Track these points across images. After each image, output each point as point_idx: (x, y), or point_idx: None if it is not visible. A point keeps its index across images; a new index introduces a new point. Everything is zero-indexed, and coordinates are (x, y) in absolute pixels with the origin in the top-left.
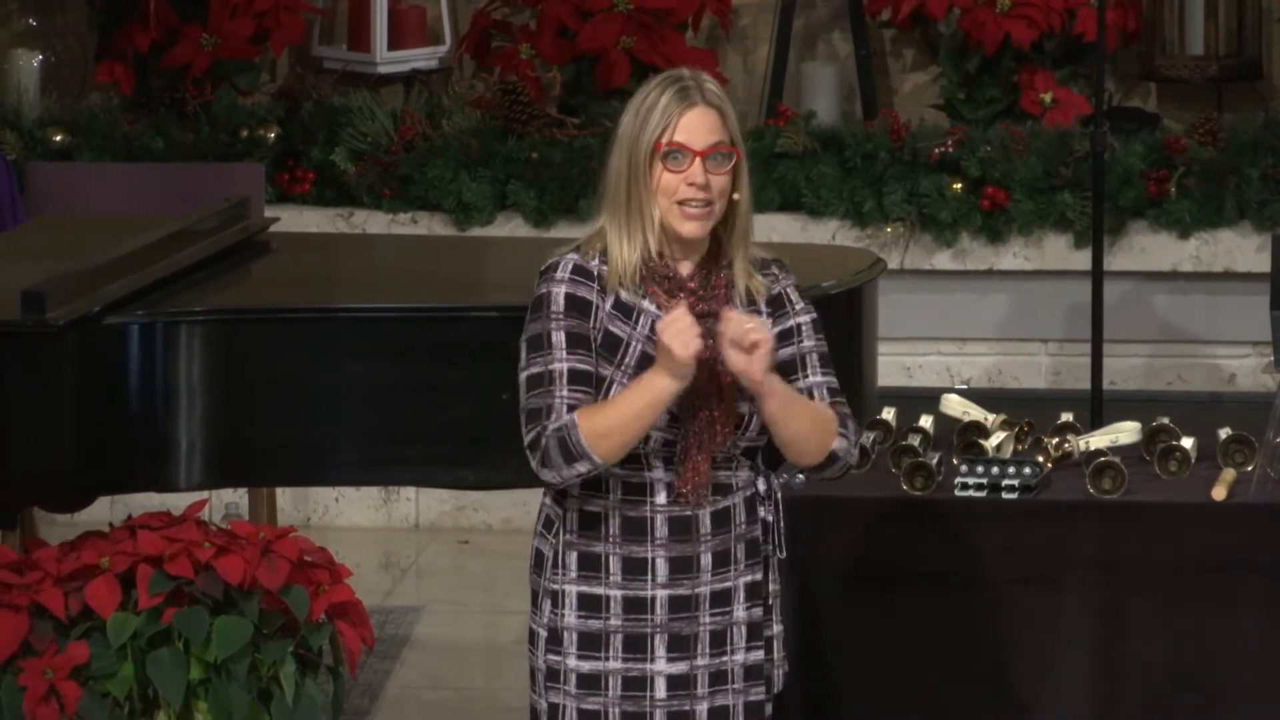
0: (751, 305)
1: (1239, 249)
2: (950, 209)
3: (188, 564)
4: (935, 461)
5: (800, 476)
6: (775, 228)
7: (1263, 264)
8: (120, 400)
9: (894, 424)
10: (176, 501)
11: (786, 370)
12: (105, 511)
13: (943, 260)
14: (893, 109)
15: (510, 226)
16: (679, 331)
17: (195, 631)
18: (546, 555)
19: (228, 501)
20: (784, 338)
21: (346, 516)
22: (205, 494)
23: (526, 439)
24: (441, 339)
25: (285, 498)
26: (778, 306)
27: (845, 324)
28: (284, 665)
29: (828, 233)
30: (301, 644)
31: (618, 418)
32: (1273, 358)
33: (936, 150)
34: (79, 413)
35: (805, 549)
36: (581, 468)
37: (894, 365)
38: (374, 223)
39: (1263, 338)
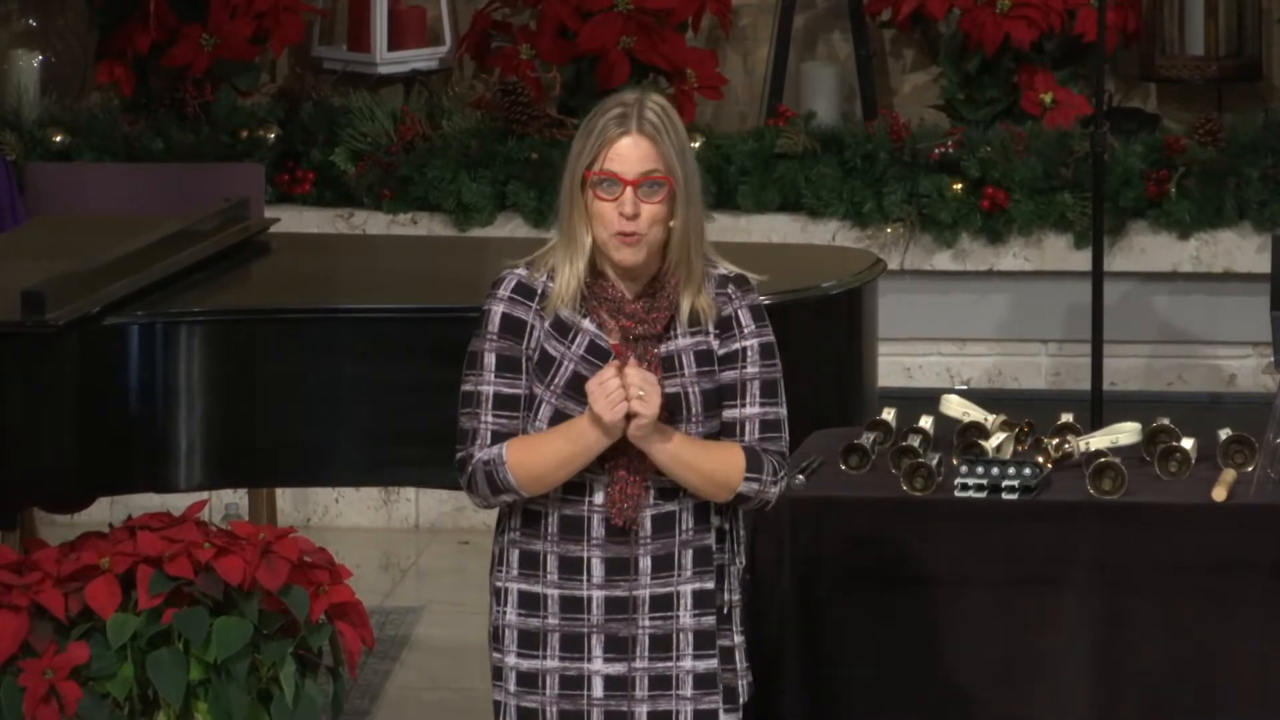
0: (695, 327)
1: (1239, 249)
2: (950, 209)
3: (188, 564)
4: (935, 462)
5: (800, 477)
6: (775, 228)
7: (1263, 264)
8: (120, 400)
9: (894, 424)
10: (176, 502)
11: (728, 395)
12: (105, 512)
13: (943, 260)
14: (893, 109)
15: (510, 227)
16: (606, 394)
17: (195, 632)
18: (495, 553)
19: (228, 502)
20: (728, 361)
21: (346, 517)
22: (205, 494)
23: (456, 456)
24: (441, 339)
25: (285, 498)
26: (725, 329)
27: (845, 324)
28: (284, 666)
29: (828, 233)
30: (301, 644)
31: (546, 463)
32: (1273, 358)
33: (936, 151)
34: (79, 413)
35: (805, 549)
36: (507, 498)
37: (894, 365)
38: (374, 223)
39: (1263, 338)
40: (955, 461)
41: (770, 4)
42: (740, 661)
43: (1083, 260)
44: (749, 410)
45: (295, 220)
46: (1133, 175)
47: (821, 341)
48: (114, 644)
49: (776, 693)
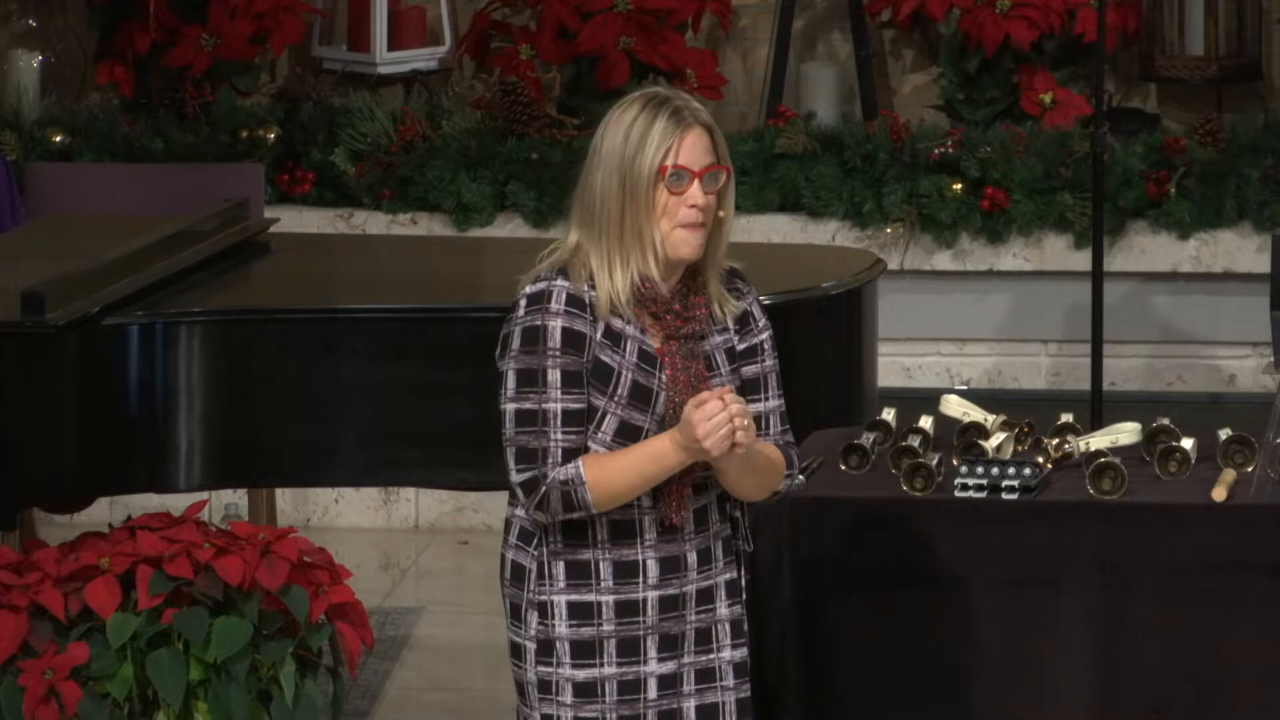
0: (719, 324)
1: (1239, 249)
2: (950, 209)
3: (187, 565)
4: (935, 462)
5: (800, 477)
6: (775, 228)
7: (1263, 264)
8: (120, 400)
9: (894, 425)
10: (176, 502)
11: (750, 389)
12: (105, 512)
13: (943, 260)
14: (893, 110)
15: (510, 227)
16: (715, 427)
17: (195, 632)
18: (528, 567)
19: (227, 502)
20: (749, 355)
21: (346, 517)
22: (205, 495)
23: (519, 477)
24: (441, 339)
25: (285, 498)
26: (744, 324)
27: (845, 324)
28: (284, 666)
29: (828, 233)
30: (301, 645)
31: (625, 485)
32: (1273, 358)
33: (936, 151)
34: (79, 413)
35: (805, 549)
36: (574, 516)
37: (894, 366)
38: (374, 223)
39: (1263, 338)
40: (955, 461)
41: (770, 4)
42: (750, 640)
43: (1083, 260)
44: (771, 404)
45: (295, 220)
46: (1133, 175)
47: (821, 341)
48: (114, 644)
49: (777, 693)
